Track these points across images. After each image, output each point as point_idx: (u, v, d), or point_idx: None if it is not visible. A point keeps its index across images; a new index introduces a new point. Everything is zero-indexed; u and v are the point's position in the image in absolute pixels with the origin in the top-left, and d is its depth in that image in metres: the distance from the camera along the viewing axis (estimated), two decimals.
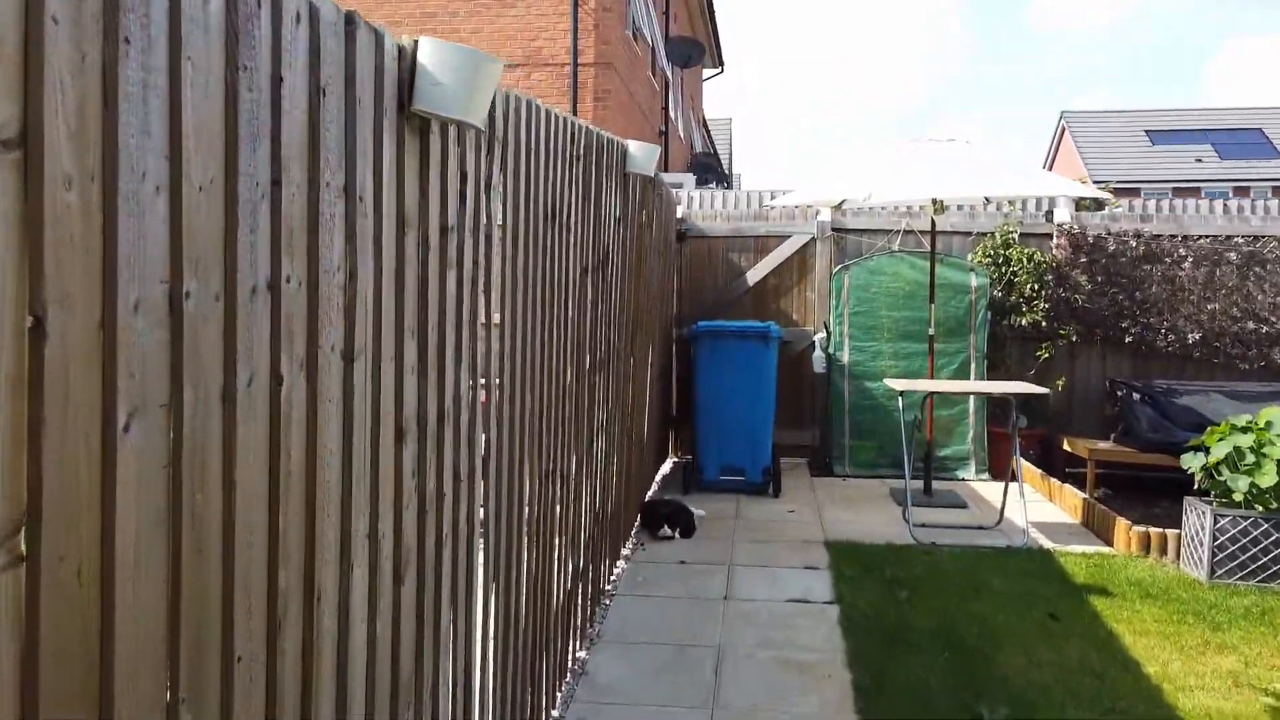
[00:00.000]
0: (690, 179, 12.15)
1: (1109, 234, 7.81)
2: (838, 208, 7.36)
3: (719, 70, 25.61)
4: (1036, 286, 7.64)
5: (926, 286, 7.61)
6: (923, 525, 5.98)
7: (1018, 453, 5.81)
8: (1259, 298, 7.57)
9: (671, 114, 17.61)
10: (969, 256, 7.95)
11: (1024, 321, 7.64)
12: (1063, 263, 7.82)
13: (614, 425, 4.79)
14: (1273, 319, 7.52)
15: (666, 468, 7.83)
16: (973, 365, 7.61)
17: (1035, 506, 6.38)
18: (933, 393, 5.50)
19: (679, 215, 8.38)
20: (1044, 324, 7.65)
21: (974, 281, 7.61)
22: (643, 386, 6.02)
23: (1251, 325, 7.54)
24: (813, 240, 8.23)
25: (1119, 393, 7.53)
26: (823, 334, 7.95)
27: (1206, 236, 7.72)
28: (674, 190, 9.44)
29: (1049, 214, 8.06)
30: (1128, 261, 7.77)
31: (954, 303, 7.57)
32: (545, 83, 11.10)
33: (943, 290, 7.60)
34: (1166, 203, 8.87)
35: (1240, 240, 7.66)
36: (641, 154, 4.45)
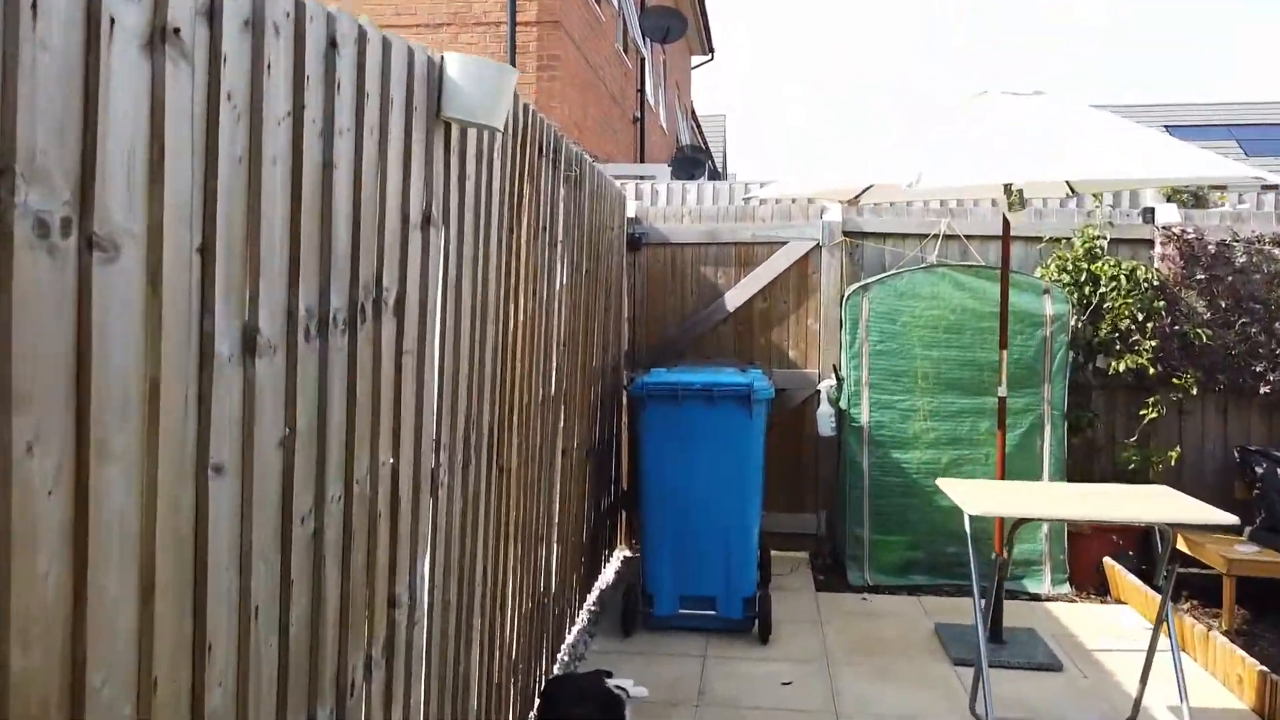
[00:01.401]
0: (663, 170, 9.84)
1: (1236, 240, 5.51)
2: (854, 201, 5.05)
3: (709, 57, 23.32)
4: (1140, 315, 5.33)
5: (979, 315, 5.30)
6: None
7: (1169, 613, 3.49)
8: None
9: (650, 99, 15.29)
10: (1036, 272, 5.65)
11: (1121, 366, 5.32)
12: (1170, 280, 5.52)
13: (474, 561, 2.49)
14: None
15: (610, 573, 5.51)
16: (1047, 430, 5.31)
17: (1170, 665, 4.05)
18: (1021, 520, 3.20)
19: (630, 214, 6.06)
20: (1150, 369, 5.34)
21: (1049, 308, 5.31)
22: (551, 468, 3.72)
23: None
24: (817, 248, 5.93)
25: (1257, 467, 5.24)
26: (831, 381, 5.63)
27: None
28: (628, 182, 7.12)
29: (1147, 212, 5.75)
30: (1264, 279, 5.47)
31: (1020, 339, 5.27)
32: (477, 46, 8.81)
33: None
34: (1272, 196, 6.55)
35: None
36: (470, 77, 2.15)
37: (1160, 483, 5.52)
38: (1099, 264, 5.46)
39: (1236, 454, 5.46)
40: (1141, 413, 5.41)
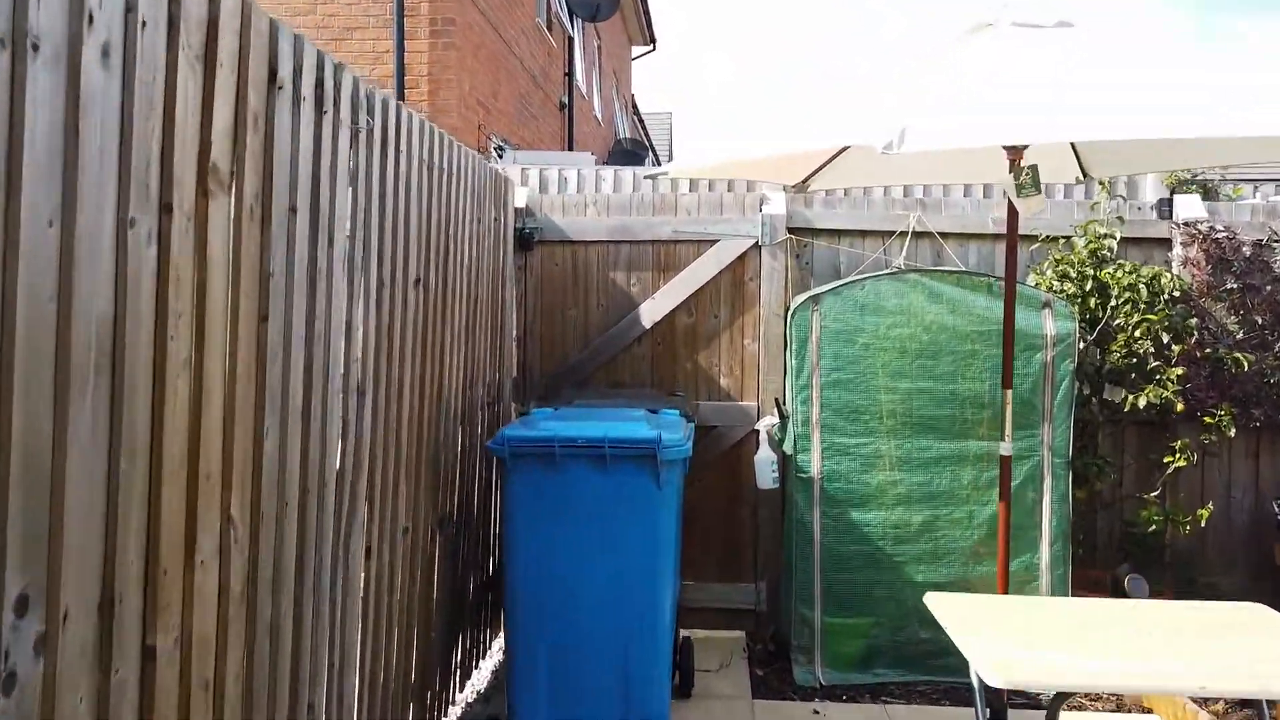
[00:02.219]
0: (588, 158, 8.56)
1: (1277, 239, 4.39)
2: (803, 186, 3.82)
3: (650, 48, 22.11)
4: (1166, 336, 4.17)
5: (960, 335, 4.11)
6: None
7: None
8: None
9: (580, 85, 13.99)
10: (1029, 279, 4.49)
11: (1142, 401, 4.16)
12: (1195, 290, 4.38)
13: None
14: None
15: (486, 674, 4.20)
16: (1047, 483, 4.13)
17: None
18: (1066, 695, 2.01)
19: (520, 203, 4.77)
20: (1178, 404, 4.19)
21: (1049, 326, 4.13)
22: (342, 577, 2.41)
23: None
24: (755, 248, 4.70)
25: None
26: (773, 419, 4.40)
27: None
28: (530, 168, 5.86)
29: (1163, 205, 4.61)
30: None
31: (1014, 366, 4.09)
32: (355, 8, 7.44)
33: (992, 342, 4.12)
34: None
35: None
36: None
37: (1183, 544, 4.39)
38: (1109, 270, 4.31)
39: (1278, 509, 4.34)
40: (1166, 460, 4.25)
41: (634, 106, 23.40)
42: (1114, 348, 4.28)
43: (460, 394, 3.60)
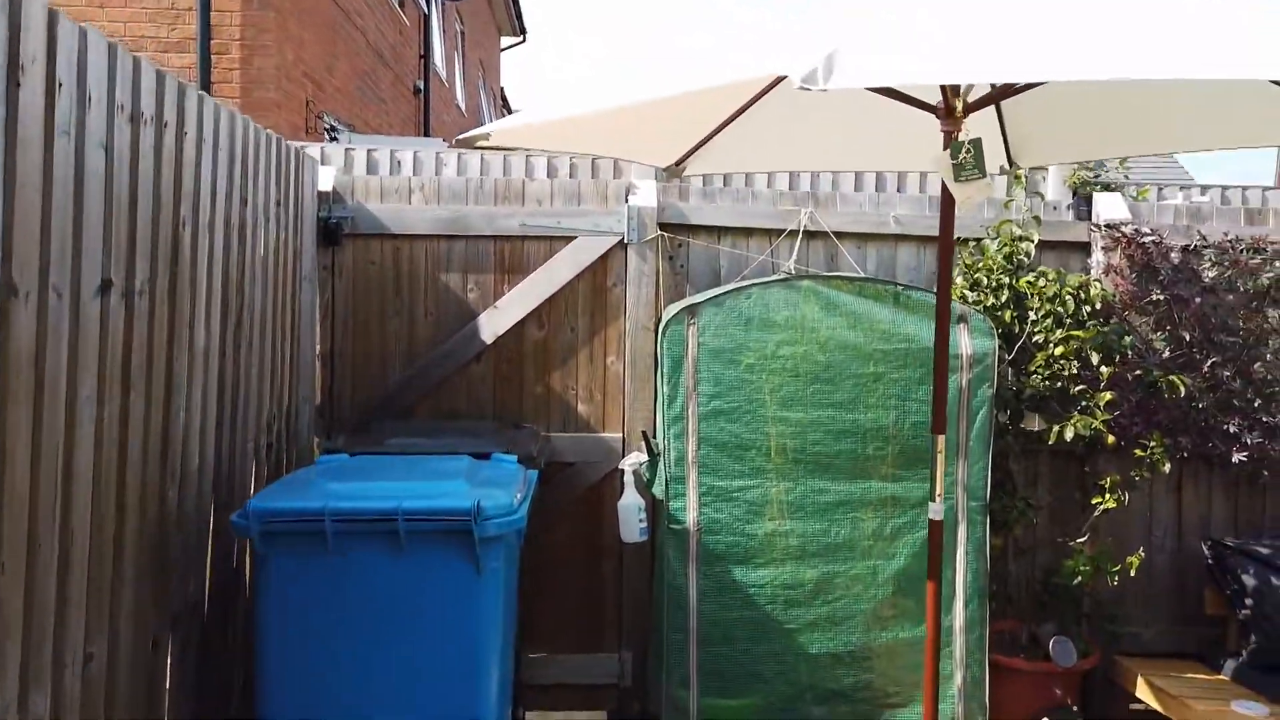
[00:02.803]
0: (437, 145, 7.56)
1: (1205, 245, 3.89)
2: (678, 168, 3.03)
3: (520, 39, 21.15)
4: (1096, 356, 3.58)
5: (863, 355, 3.42)
6: None
7: None
8: None
9: (439, 70, 12.92)
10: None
11: (1069, 432, 3.55)
12: (1118, 302, 3.83)
13: None
14: None
15: None
16: (961, 531, 3.47)
17: None
18: None
19: (325, 186, 3.80)
20: (1108, 435, 3.60)
21: (965, 345, 3.47)
22: None
23: None
24: (620, 246, 3.88)
25: (1243, 573, 3.62)
26: (640, 457, 3.58)
27: None
28: (356, 149, 4.91)
29: (1081, 204, 4.05)
30: (1239, 301, 3.88)
31: (924, 391, 3.42)
32: None
33: (899, 363, 3.44)
34: (1240, 193, 5.03)
35: None
36: None
37: (1105, 592, 3.83)
38: (1028, 278, 3.70)
39: (1208, 551, 3.83)
40: (1096, 501, 3.66)
41: (504, 99, 22.37)
42: (1033, 368, 3.67)
43: (212, 439, 2.62)
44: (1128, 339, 3.62)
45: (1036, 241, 3.79)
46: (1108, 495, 3.57)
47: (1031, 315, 3.65)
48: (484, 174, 4.85)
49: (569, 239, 3.86)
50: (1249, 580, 3.58)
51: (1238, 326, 3.86)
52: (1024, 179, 3.91)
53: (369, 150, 4.89)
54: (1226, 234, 3.89)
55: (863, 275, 3.71)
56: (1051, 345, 3.64)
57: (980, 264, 3.77)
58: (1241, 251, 3.85)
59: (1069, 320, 3.58)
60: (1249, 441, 3.80)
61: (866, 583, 3.47)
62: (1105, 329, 3.59)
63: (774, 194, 4.07)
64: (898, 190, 4.55)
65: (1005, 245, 3.78)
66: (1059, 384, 3.61)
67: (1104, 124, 2.89)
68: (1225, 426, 3.82)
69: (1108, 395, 3.53)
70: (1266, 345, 3.85)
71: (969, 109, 2.38)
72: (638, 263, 3.87)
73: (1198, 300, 3.82)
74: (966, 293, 3.73)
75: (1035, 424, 3.84)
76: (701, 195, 4.01)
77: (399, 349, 3.86)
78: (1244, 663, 3.61)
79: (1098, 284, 3.70)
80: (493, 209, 3.88)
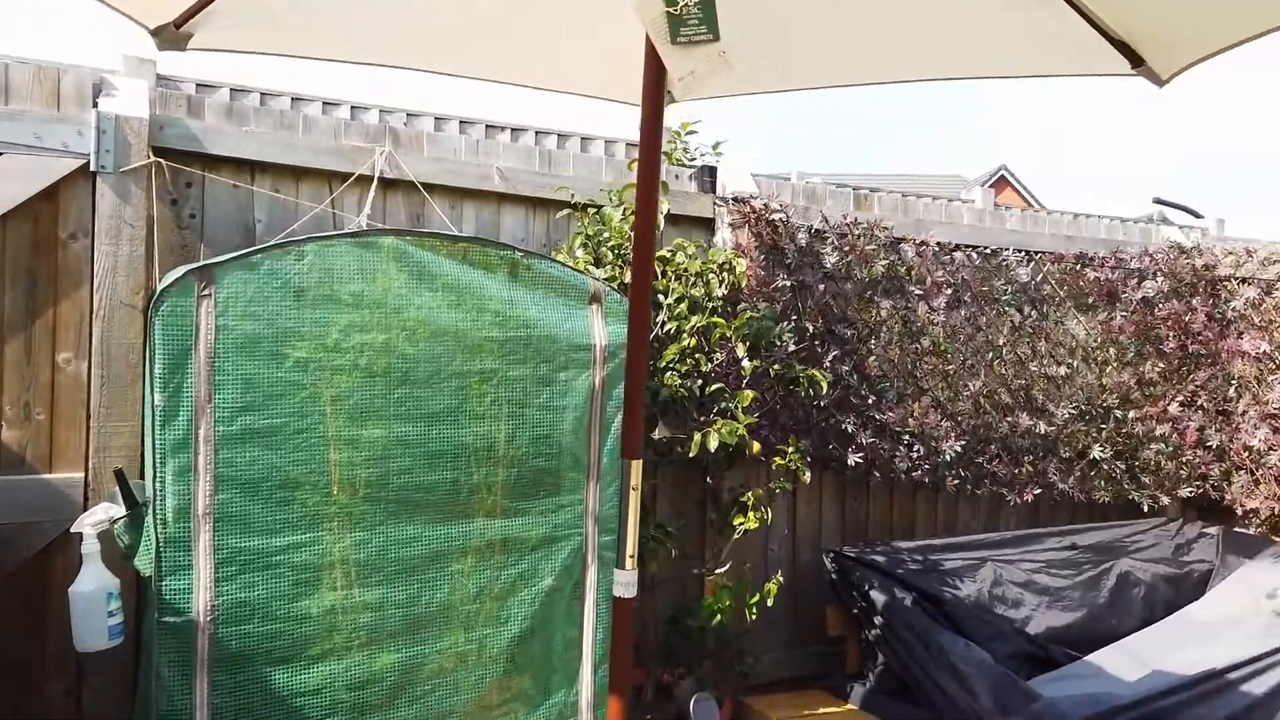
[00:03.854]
0: None
1: (827, 228, 3.54)
2: (174, 36, 1.78)
3: None
4: (743, 347, 2.99)
5: (470, 345, 2.47)
6: None
7: None
8: (1033, 366, 4.01)
9: None
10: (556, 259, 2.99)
11: (713, 440, 2.90)
12: (746, 288, 3.32)
13: None
14: (1051, 408, 4.01)
15: None
16: (591, 570, 2.65)
17: None
18: None
19: None
20: (754, 444, 3.02)
21: (598, 332, 2.65)
22: None
23: (1027, 421, 3.92)
24: (84, 175, 2.45)
25: (868, 587, 3.30)
26: (111, 510, 2.22)
27: (974, 248, 3.91)
28: None
29: (704, 173, 3.50)
30: (855, 291, 3.60)
31: (547, 393, 2.55)
32: None
33: (517, 356, 2.52)
34: (889, 195, 4.91)
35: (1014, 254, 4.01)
36: None
37: (737, 630, 3.29)
38: (662, 252, 3.02)
39: (830, 564, 3.48)
40: (737, 521, 3.07)
41: None
42: (664, 363, 2.99)
43: None
44: (779, 327, 3.09)
45: (666, 213, 3.13)
46: (748, 511, 3.01)
47: (668, 299, 2.97)
48: None
49: None
50: (877, 596, 3.26)
51: (855, 318, 3.58)
52: (681, 132, 3.25)
53: None
54: (845, 216, 3.59)
55: (469, 235, 2.73)
56: (685, 336, 2.99)
57: (605, 236, 3.01)
58: (858, 237, 3.57)
59: (708, 306, 2.96)
60: (863, 441, 3.52)
61: (472, 663, 2.50)
62: (758, 315, 3.02)
63: (336, 123, 2.92)
64: (509, 137, 3.65)
65: (631, 214, 3.06)
66: (697, 381, 2.97)
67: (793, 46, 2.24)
68: (844, 426, 3.52)
69: (750, 395, 2.97)
70: (878, 338, 3.62)
71: None
72: (115, 204, 2.48)
73: (821, 288, 3.45)
74: (592, 268, 2.94)
75: (657, 431, 3.18)
76: (226, 114, 2.72)
77: None
78: (872, 689, 3.30)
79: (741, 262, 3.13)
80: None
